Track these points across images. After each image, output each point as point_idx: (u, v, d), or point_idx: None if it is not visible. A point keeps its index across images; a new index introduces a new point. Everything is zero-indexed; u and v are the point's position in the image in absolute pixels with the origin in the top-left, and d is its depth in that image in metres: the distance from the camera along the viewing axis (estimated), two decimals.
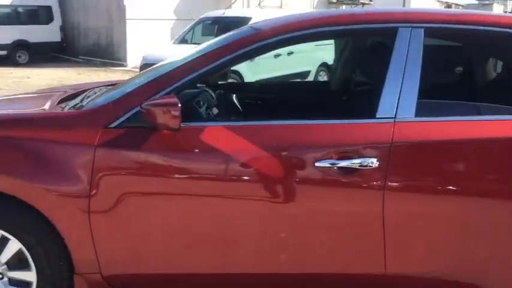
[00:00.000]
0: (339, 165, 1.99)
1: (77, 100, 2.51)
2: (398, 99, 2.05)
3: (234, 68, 7.99)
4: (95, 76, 12.87)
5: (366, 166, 1.98)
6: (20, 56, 16.01)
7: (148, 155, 2.05)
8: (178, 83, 2.09)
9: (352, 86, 3.02)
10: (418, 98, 2.05)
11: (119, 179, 2.05)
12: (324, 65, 9.70)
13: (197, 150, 2.05)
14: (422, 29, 2.13)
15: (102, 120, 2.06)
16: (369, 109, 2.10)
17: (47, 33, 16.40)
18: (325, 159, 2.00)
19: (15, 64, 15.37)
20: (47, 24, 16.60)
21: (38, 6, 16.52)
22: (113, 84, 2.89)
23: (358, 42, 2.97)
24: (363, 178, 2.00)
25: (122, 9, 15.45)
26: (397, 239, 2.05)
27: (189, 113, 2.32)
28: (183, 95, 2.29)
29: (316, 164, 2.00)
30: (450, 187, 2.02)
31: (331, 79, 3.40)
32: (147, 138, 2.04)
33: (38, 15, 16.56)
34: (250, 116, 2.55)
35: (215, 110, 2.77)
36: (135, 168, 2.06)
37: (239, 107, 3.25)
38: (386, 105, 2.05)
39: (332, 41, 9.38)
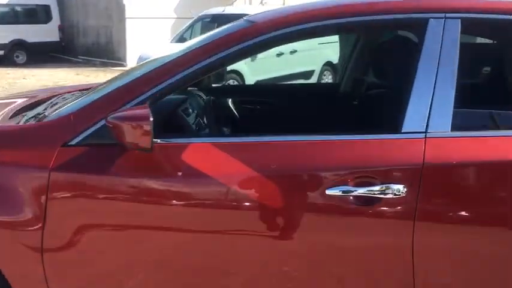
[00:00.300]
0: (355, 193, 1.58)
1: (40, 109, 2.10)
2: (430, 108, 1.63)
3: (233, 67, 7.61)
4: (94, 76, 12.55)
5: (390, 194, 1.56)
6: (17, 56, 15.75)
7: (118, 180, 1.64)
8: (155, 90, 1.68)
9: (367, 92, 2.58)
10: (454, 107, 1.64)
11: (79, 209, 1.65)
12: (328, 64, 9.41)
13: (180, 174, 1.64)
14: (459, 20, 1.70)
15: (60, 136, 1.66)
16: (391, 121, 1.68)
17: (45, 32, 16.08)
18: (339, 185, 1.58)
19: (13, 64, 15.08)
20: (45, 23, 16.27)
21: (36, 5, 16.28)
22: (88, 89, 2.48)
23: (374, 37, 2.55)
24: (387, 209, 1.58)
25: (121, 8, 15.21)
26: (431, 286, 1.63)
27: (174, 125, 1.92)
28: (165, 102, 1.89)
29: (328, 192, 1.58)
30: (497, 219, 1.61)
31: (341, 83, 2.97)
32: (116, 158, 1.63)
33: (36, 15, 16.29)
34: (247, 128, 2.13)
35: (206, 118, 2.36)
36: (100, 196, 1.65)
37: (235, 113, 2.86)
38: (414, 117, 1.63)
39: (337, 38, 9.02)
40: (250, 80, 8.08)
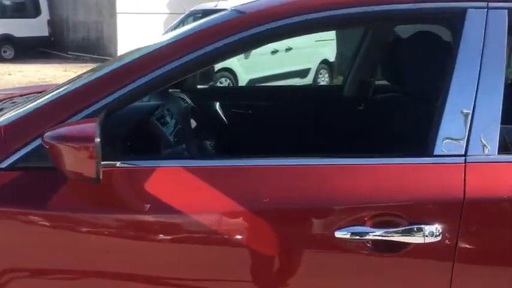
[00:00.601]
0: (374, 235, 1.20)
1: None
2: (471, 124, 1.25)
3: (225, 65, 7.22)
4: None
5: (420, 237, 1.19)
6: (5, 51, 15.45)
7: (61, 216, 1.25)
8: (114, 96, 1.29)
9: (380, 98, 2.18)
10: (502, 122, 1.26)
11: (8, 252, 1.26)
12: (325, 62, 9.12)
13: (147, 207, 1.25)
14: (506, 11, 1.32)
15: None
16: (418, 140, 1.30)
17: (34, 27, 15.77)
18: (352, 225, 1.20)
19: (0, 59, 14.68)
20: (34, 18, 15.94)
21: None
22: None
23: (385, 32, 2.16)
24: (416, 258, 1.20)
25: (112, 3, 15.00)
26: None
27: (145, 139, 1.55)
28: (135, 108, 1.52)
29: (337, 234, 1.20)
30: None
31: (344, 85, 2.58)
32: (60, 187, 1.24)
33: (25, 9, 16.12)
34: (236, 139, 1.75)
35: (188, 128, 1.97)
36: (38, 236, 1.26)
37: (224, 118, 2.48)
38: (450, 135, 1.25)
39: (334, 35, 8.52)
40: (243, 78, 7.72)
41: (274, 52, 7.94)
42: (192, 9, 9.88)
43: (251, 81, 7.89)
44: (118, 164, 1.26)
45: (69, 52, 16.35)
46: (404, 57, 1.69)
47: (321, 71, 9.22)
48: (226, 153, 1.86)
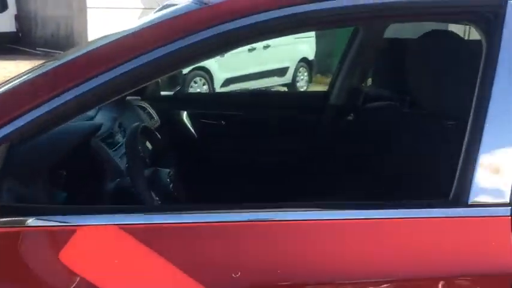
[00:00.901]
0: None
1: None
2: None
3: (200, 63, 6.85)
4: None
5: None
6: None
7: None
8: (18, 123, 0.90)
9: (378, 110, 1.82)
10: None
11: None
12: (304, 61, 8.85)
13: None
14: None
15: None
16: (438, 183, 0.96)
17: (1, 22, 15.31)
18: None
19: None
20: (1, 12, 15.53)
21: None
22: None
23: (379, 32, 1.83)
24: None
25: None
26: None
27: (83, 169, 1.19)
28: (70, 129, 1.16)
29: None
30: None
31: (332, 93, 2.24)
32: None
33: None
34: (203, 171, 1.38)
35: (139, 152, 1.57)
36: None
37: (192, 131, 2.13)
38: (489, 175, 0.91)
39: (313, 32, 8.13)
40: (218, 77, 7.39)
41: (252, 50, 7.63)
42: (165, 3, 9.48)
43: (227, 80, 7.57)
44: (30, 221, 0.89)
45: (37, 48, 15.87)
46: (414, 62, 1.33)
47: (300, 69, 8.99)
48: (191, 185, 1.49)
